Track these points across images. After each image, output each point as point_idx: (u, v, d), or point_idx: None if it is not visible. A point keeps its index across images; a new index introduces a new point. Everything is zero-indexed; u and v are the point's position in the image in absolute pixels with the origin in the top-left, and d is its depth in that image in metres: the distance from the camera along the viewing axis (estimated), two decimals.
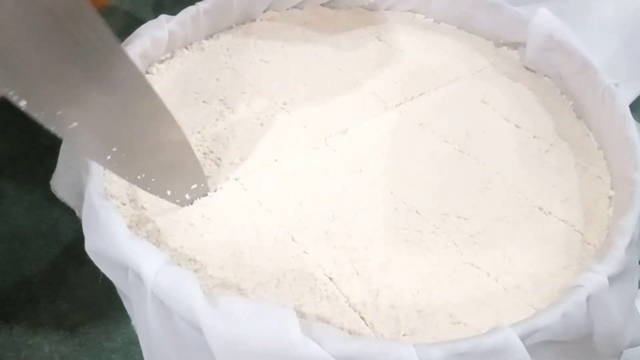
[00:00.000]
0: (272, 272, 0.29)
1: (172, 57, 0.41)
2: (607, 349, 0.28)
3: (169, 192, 0.30)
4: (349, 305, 0.28)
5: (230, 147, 0.35)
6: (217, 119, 0.37)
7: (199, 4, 0.41)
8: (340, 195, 0.33)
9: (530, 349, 0.25)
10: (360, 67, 0.42)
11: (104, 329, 0.39)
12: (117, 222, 0.27)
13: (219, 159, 0.34)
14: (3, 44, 0.20)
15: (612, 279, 0.27)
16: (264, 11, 0.46)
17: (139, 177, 0.28)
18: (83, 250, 0.29)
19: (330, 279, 0.29)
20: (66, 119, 0.23)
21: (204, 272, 0.28)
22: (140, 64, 0.38)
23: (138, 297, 0.26)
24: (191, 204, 0.31)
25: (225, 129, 0.36)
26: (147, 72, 0.39)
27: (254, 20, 0.45)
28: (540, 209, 0.33)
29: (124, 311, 0.33)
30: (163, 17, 0.40)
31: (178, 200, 0.31)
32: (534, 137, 0.38)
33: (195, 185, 0.31)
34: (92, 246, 0.28)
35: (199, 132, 0.36)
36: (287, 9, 0.47)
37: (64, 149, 0.36)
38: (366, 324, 0.27)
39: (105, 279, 0.30)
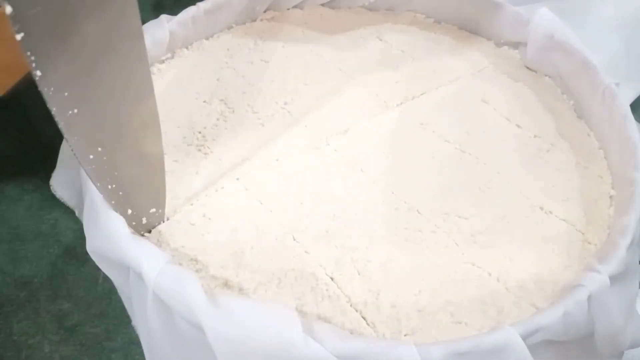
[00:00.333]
0: (273, 272, 0.29)
1: (172, 57, 0.41)
2: (607, 349, 0.28)
3: (129, 211, 0.28)
4: (350, 305, 0.28)
5: (231, 147, 0.35)
6: (217, 119, 0.37)
7: (199, 4, 0.41)
8: (341, 195, 0.33)
9: (532, 348, 0.25)
10: (361, 67, 0.42)
11: (104, 329, 0.39)
12: (118, 222, 0.27)
13: (220, 159, 0.34)
14: (37, 13, 0.20)
15: (613, 279, 0.27)
16: (264, 11, 0.46)
17: (109, 187, 0.26)
18: (83, 250, 0.29)
19: (332, 278, 0.29)
20: (70, 102, 0.22)
21: (205, 272, 0.28)
22: None
23: (139, 297, 0.26)
24: (145, 231, 0.29)
25: (225, 129, 0.36)
26: None
27: (255, 20, 0.45)
28: (541, 208, 0.33)
29: (124, 311, 0.33)
30: (164, 17, 0.40)
31: (134, 223, 0.28)
32: (534, 136, 0.38)
33: (154, 210, 0.29)
34: (93, 246, 0.28)
35: (199, 132, 0.36)
36: (288, 9, 0.47)
37: (64, 149, 0.36)
38: (367, 324, 0.27)
39: (105, 279, 0.30)
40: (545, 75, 0.42)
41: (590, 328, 0.27)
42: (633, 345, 0.29)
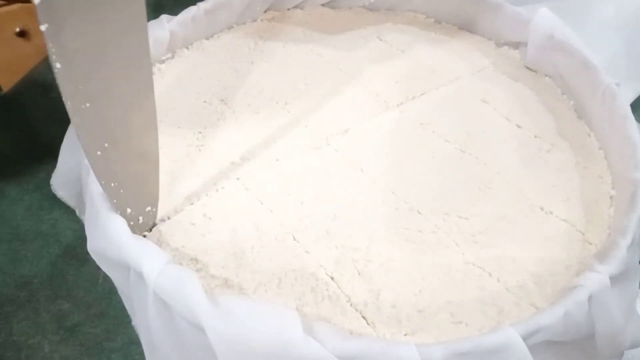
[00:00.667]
0: (273, 272, 0.29)
1: (173, 57, 0.41)
2: (607, 349, 0.28)
3: (128, 210, 0.28)
4: (351, 305, 0.28)
5: (231, 147, 0.35)
6: (218, 119, 0.37)
7: (199, 4, 0.41)
8: (342, 195, 0.33)
9: (532, 348, 0.25)
10: (361, 67, 0.42)
11: (104, 329, 0.39)
12: (119, 222, 0.27)
13: (221, 159, 0.34)
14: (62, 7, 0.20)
15: (614, 279, 0.27)
16: (265, 11, 0.46)
17: (112, 184, 0.26)
18: (83, 250, 0.29)
19: (332, 278, 0.29)
20: (84, 96, 0.23)
21: (205, 272, 0.28)
22: None
23: (140, 296, 0.26)
24: (141, 232, 0.29)
25: (226, 129, 0.36)
26: None
27: (255, 20, 0.45)
28: (541, 208, 0.33)
29: (124, 311, 0.33)
30: (164, 17, 0.40)
31: (132, 223, 0.28)
32: (534, 136, 0.38)
33: (149, 208, 0.29)
34: (94, 246, 0.28)
35: (200, 132, 0.36)
36: (288, 9, 0.47)
37: (64, 149, 0.36)
38: (367, 324, 0.27)
39: (105, 279, 0.30)
40: (546, 75, 0.42)
41: (590, 328, 0.27)
42: (633, 346, 0.29)
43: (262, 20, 0.46)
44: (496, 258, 0.30)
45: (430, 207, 0.33)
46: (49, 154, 0.50)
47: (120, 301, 0.33)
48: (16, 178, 0.48)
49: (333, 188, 0.33)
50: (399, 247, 0.31)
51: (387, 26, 0.46)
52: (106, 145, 0.25)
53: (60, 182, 0.36)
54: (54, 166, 0.36)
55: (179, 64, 0.41)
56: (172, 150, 0.35)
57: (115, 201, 0.27)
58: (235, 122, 0.37)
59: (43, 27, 0.20)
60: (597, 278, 0.27)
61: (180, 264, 0.29)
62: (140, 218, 0.29)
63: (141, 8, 0.22)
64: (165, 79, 0.39)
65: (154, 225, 0.30)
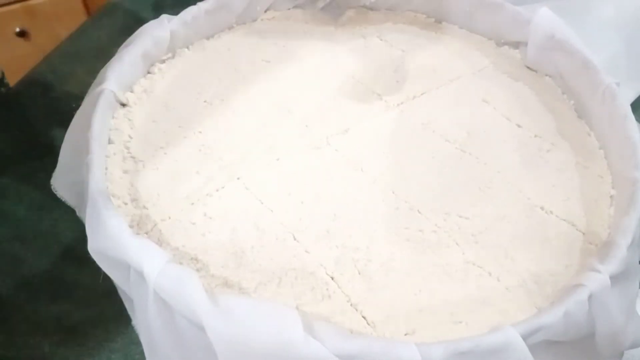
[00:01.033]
0: (273, 272, 0.29)
1: (173, 57, 0.41)
2: (608, 349, 0.28)
3: None
4: (351, 305, 0.28)
5: (232, 146, 0.35)
6: (218, 119, 0.37)
7: (200, 3, 0.41)
8: (342, 194, 0.33)
9: (532, 348, 0.25)
10: (362, 67, 0.42)
11: (104, 329, 0.39)
12: (120, 221, 0.27)
13: (221, 158, 0.34)
14: None
15: (614, 279, 0.27)
16: (265, 11, 0.46)
17: None
18: (83, 250, 0.29)
19: (332, 278, 0.29)
20: None
21: (205, 272, 0.28)
22: (141, 64, 0.38)
23: (140, 296, 0.26)
24: None
25: (227, 128, 0.36)
26: (148, 72, 0.39)
27: (255, 20, 0.45)
28: (542, 208, 0.33)
29: (124, 311, 0.33)
30: (164, 17, 0.40)
31: None
32: (535, 136, 0.38)
33: None
34: (95, 245, 0.28)
35: (200, 132, 0.36)
36: (288, 9, 0.47)
37: (64, 149, 0.36)
38: (367, 323, 0.27)
39: (105, 280, 0.30)
40: (546, 75, 0.42)
41: (590, 328, 0.27)
42: (633, 345, 0.29)
43: (262, 20, 0.46)
44: (496, 258, 0.30)
45: (430, 206, 0.33)
46: (49, 154, 0.50)
47: (120, 301, 0.33)
48: (16, 178, 0.48)
49: (333, 188, 0.33)
50: (399, 247, 0.31)
51: (387, 26, 0.46)
52: None
53: (60, 182, 0.36)
54: (54, 166, 0.36)
55: (179, 63, 0.41)
56: (172, 150, 0.35)
57: None
58: (236, 122, 0.37)
59: None
60: (597, 278, 0.27)
61: (181, 263, 0.29)
62: None
63: None
64: (165, 79, 0.39)
65: None
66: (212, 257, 0.29)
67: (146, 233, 0.30)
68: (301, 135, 0.36)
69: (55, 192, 0.37)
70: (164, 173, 0.33)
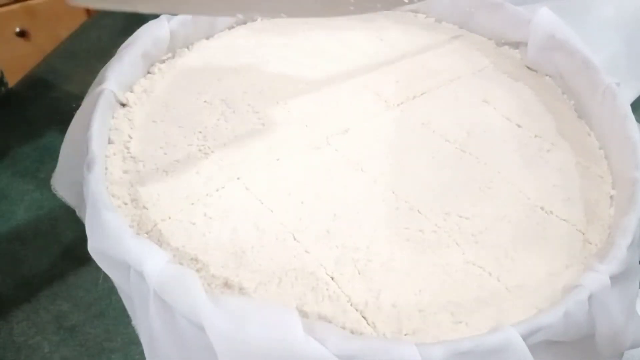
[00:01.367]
0: (273, 272, 0.29)
1: (173, 57, 0.41)
2: (608, 349, 0.28)
3: None
4: (351, 305, 0.28)
5: (232, 146, 0.35)
6: (218, 119, 0.37)
7: None
8: (342, 194, 0.33)
9: (532, 348, 0.25)
10: (362, 67, 0.42)
11: (104, 329, 0.39)
12: (120, 221, 0.27)
13: (221, 158, 0.34)
14: None
15: (614, 279, 0.27)
16: None
17: None
18: (83, 250, 0.29)
19: (332, 278, 0.29)
20: None
21: (205, 272, 0.28)
22: (141, 64, 0.38)
23: (140, 296, 0.26)
24: None
25: (226, 128, 0.36)
26: (148, 72, 0.39)
27: (255, 20, 0.45)
28: (542, 208, 0.33)
29: (124, 311, 0.33)
30: (164, 17, 0.40)
31: None
32: (535, 136, 0.38)
33: None
34: (95, 245, 0.28)
35: (200, 132, 0.36)
36: None
37: (64, 149, 0.36)
38: (368, 324, 0.27)
39: (105, 280, 0.30)
40: (546, 75, 0.42)
41: (590, 328, 0.27)
42: (633, 346, 0.29)
43: (262, 20, 0.46)
44: (497, 258, 0.30)
45: (430, 206, 0.33)
46: (49, 154, 0.50)
47: (120, 301, 0.33)
48: (16, 178, 0.48)
49: (333, 188, 0.33)
50: (399, 247, 0.31)
51: (388, 26, 0.46)
52: None
53: (60, 182, 0.36)
54: (54, 166, 0.36)
55: (179, 64, 0.41)
56: (172, 150, 0.35)
57: None
58: (236, 122, 0.37)
59: None
60: (597, 278, 0.27)
61: (181, 263, 0.29)
62: None
63: None
64: (166, 79, 0.39)
65: None
66: (212, 257, 0.29)
67: (146, 233, 0.30)
68: (301, 135, 0.36)
69: (55, 192, 0.37)
70: (164, 173, 0.33)
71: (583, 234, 0.32)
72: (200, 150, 0.35)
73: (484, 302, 0.28)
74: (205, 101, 0.38)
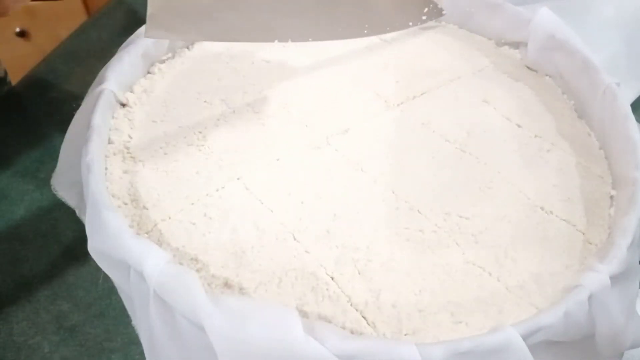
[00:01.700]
0: (273, 272, 0.29)
1: (173, 57, 0.41)
2: (608, 349, 0.28)
3: None
4: (351, 305, 0.28)
5: (232, 146, 0.35)
6: (218, 119, 0.37)
7: None
8: (342, 194, 0.33)
9: (532, 348, 0.25)
10: (362, 67, 0.42)
11: (104, 329, 0.39)
12: (120, 221, 0.27)
13: (221, 158, 0.34)
14: None
15: (614, 279, 0.27)
16: None
17: None
18: (83, 250, 0.29)
19: (332, 278, 0.29)
20: None
21: (205, 272, 0.28)
22: (141, 64, 0.38)
23: (140, 296, 0.26)
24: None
25: (226, 129, 0.36)
26: (148, 72, 0.39)
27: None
28: (542, 208, 0.33)
29: (124, 311, 0.33)
30: None
31: None
32: (535, 136, 0.38)
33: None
34: (95, 246, 0.28)
35: (200, 132, 0.36)
36: None
37: (64, 149, 0.36)
38: (368, 324, 0.27)
39: (105, 280, 0.30)
40: (546, 75, 0.42)
41: (590, 328, 0.27)
42: (633, 346, 0.29)
43: None
44: (497, 258, 0.30)
45: (430, 206, 0.33)
46: (49, 154, 0.50)
47: (120, 301, 0.33)
48: (16, 178, 0.48)
49: (333, 188, 0.33)
50: (400, 247, 0.31)
51: None
52: None
53: (60, 182, 0.36)
54: (54, 166, 0.36)
55: (179, 64, 0.41)
56: (172, 150, 0.35)
57: None
58: (236, 122, 0.37)
59: None
60: (598, 278, 0.27)
61: (181, 263, 0.29)
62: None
63: None
64: (166, 79, 0.39)
65: None
66: (212, 257, 0.29)
67: (146, 233, 0.30)
68: (301, 135, 0.36)
69: (55, 192, 0.37)
70: (164, 173, 0.33)
71: (583, 234, 0.32)
72: (200, 150, 0.35)
73: (484, 302, 0.28)
74: (205, 101, 0.38)
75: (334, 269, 0.29)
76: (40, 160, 0.50)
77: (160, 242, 0.30)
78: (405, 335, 0.27)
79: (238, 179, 0.33)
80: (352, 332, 0.26)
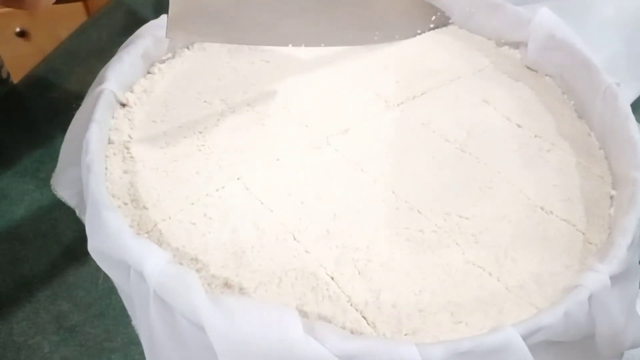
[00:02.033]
0: (273, 272, 0.29)
1: (173, 57, 0.41)
2: (608, 349, 0.28)
3: None
4: (351, 305, 0.28)
5: (232, 146, 0.35)
6: (218, 119, 0.37)
7: None
8: (342, 194, 0.33)
9: (532, 348, 0.25)
10: (362, 67, 0.42)
11: (104, 329, 0.39)
12: (120, 221, 0.27)
13: (221, 158, 0.34)
14: None
15: (614, 279, 0.27)
16: None
17: None
18: (83, 250, 0.29)
19: (332, 278, 0.29)
20: None
21: (205, 272, 0.28)
22: (141, 64, 0.38)
23: (140, 296, 0.26)
24: None
25: (226, 129, 0.36)
26: (148, 72, 0.39)
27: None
28: (542, 208, 0.33)
29: (124, 311, 0.33)
30: (164, 17, 0.39)
31: None
32: (535, 136, 0.38)
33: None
34: (95, 246, 0.28)
35: (200, 132, 0.36)
36: None
37: (64, 149, 0.36)
38: (368, 324, 0.27)
39: (105, 280, 0.30)
40: (546, 75, 0.42)
41: (590, 328, 0.27)
42: (634, 346, 0.29)
43: None
44: (497, 258, 0.30)
45: (430, 206, 0.33)
46: (49, 154, 0.50)
47: (120, 301, 0.33)
48: (16, 178, 0.48)
49: (333, 188, 0.33)
50: (400, 247, 0.31)
51: None
52: None
53: (60, 182, 0.36)
54: (54, 166, 0.36)
55: (179, 64, 0.41)
56: (172, 150, 0.35)
57: None
58: (236, 122, 0.37)
59: None
60: (598, 278, 0.27)
61: (181, 263, 0.29)
62: None
63: None
64: (166, 79, 0.39)
65: None
66: (212, 257, 0.29)
67: (146, 233, 0.30)
68: (301, 135, 0.36)
69: (55, 192, 0.37)
70: (164, 173, 0.33)
71: (583, 234, 0.32)
72: (200, 150, 0.35)
73: (484, 302, 0.28)
74: (205, 101, 0.38)
75: (334, 269, 0.29)
76: (40, 160, 0.50)
77: (160, 242, 0.30)
78: (405, 335, 0.27)
79: (238, 179, 0.33)
80: (352, 332, 0.26)
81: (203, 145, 0.35)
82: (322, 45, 0.40)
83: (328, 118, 0.38)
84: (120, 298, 0.33)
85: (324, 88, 0.40)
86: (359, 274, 0.29)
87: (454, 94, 0.40)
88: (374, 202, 0.33)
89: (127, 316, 0.33)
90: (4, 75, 0.58)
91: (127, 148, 0.34)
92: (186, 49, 0.42)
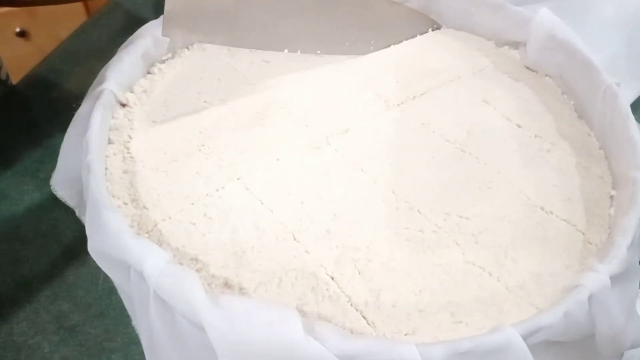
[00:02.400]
0: (273, 272, 0.29)
1: (173, 57, 0.41)
2: (608, 349, 0.28)
3: None
4: (351, 305, 0.28)
5: (232, 146, 0.35)
6: (218, 119, 0.37)
7: None
8: (342, 194, 0.33)
9: (532, 348, 0.25)
10: (362, 67, 0.42)
11: (104, 329, 0.39)
12: (120, 221, 0.27)
13: (221, 158, 0.34)
14: None
15: (614, 279, 0.27)
16: None
17: None
18: (83, 250, 0.29)
19: (332, 278, 0.29)
20: None
21: (205, 272, 0.28)
22: (141, 64, 0.38)
23: (140, 296, 0.26)
24: None
25: (226, 129, 0.36)
26: (148, 72, 0.39)
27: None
28: (542, 208, 0.33)
29: (124, 311, 0.33)
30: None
31: None
32: (535, 136, 0.38)
33: None
34: (95, 246, 0.28)
35: (200, 132, 0.36)
36: None
37: (64, 149, 0.36)
38: (368, 324, 0.27)
39: (105, 280, 0.30)
40: (546, 75, 0.42)
41: (590, 328, 0.27)
42: (633, 346, 0.29)
43: None
44: (497, 258, 0.30)
45: (430, 206, 0.33)
46: (49, 154, 0.50)
47: (120, 301, 0.33)
48: (16, 178, 0.48)
49: (333, 188, 0.33)
50: (400, 247, 0.31)
51: None
52: None
53: (60, 182, 0.36)
54: (54, 166, 0.36)
55: (180, 64, 0.41)
56: (172, 150, 0.35)
57: None
58: (235, 121, 0.37)
59: None
60: (598, 278, 0.27)
61: (181, 263, 0.29)
62: None
63: None
64: (165, 79, 0.39)
65: None
66: (212, 257, 0.29)
67: (146, 233, 0.30)
68: (301, 135, 0.36)
69: (55, 192, 0.37)
70: (164, 173, 0.33)
71: (583, 234, 0.32)
72: (200, 150, 0.35)
73: (484, 302, 0.28)
74: (205, 101, 0.38)
75: (334, 269, 0.29)
76: (40, 160, 0.50)
77: (160, 242, 0.30)
78: (405, 335, 0.27)
79: (238, 179, 0.33)
80: (352, 332, 0.26)
81: (203, 145, 0.35)
82: (318, 52, 0.40)
83: (328, 118, 0.38)
84: (120, 298, 0.33)
85: (324, 88, 0.40)
86: (359, 274, 0.29)
87: (454, 94, 0.40)
88: (374, 202, 0.33)
89: (127, 316, 0.33)
90: (3, 77, 0.58)
91: (127, 148, 0.34)
92: (186, 49, 0.42)
